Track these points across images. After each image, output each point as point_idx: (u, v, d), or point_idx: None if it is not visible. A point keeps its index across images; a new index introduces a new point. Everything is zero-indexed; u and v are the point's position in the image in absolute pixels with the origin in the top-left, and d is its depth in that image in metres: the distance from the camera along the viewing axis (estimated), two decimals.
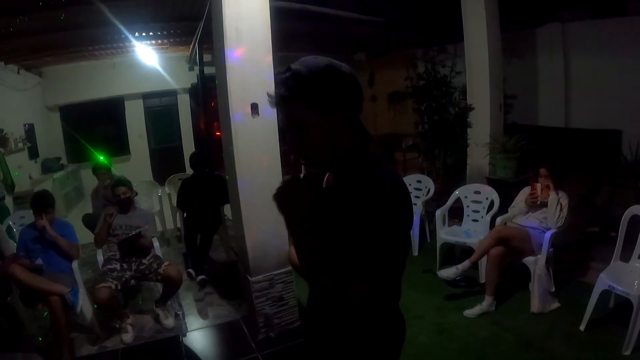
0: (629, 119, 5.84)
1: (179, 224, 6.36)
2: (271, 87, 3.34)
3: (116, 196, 4.28)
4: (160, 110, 10.66)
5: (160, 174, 8.41)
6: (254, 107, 3.34)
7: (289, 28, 5.09)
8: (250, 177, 3.46)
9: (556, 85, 6.89)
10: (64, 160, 9.41)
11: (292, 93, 1.18)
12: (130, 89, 9.88)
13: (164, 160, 10.41)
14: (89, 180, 7.49)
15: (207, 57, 7.31)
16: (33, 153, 8.35)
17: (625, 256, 3.66)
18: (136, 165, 9.86)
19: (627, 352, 3.14)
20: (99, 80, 9.41)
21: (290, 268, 3.74)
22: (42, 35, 5.92)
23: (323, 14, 5.52)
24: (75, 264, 3.96)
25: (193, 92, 9.83)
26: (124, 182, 4.36)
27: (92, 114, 9.87)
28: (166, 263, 4.04)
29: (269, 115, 3.42)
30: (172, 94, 10.38)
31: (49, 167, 8.61)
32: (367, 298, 1.20)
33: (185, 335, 3.91)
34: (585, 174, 5.83)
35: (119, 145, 10.07)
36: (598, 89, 6.36)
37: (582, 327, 3.47)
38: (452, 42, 6.23)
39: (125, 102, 10.16)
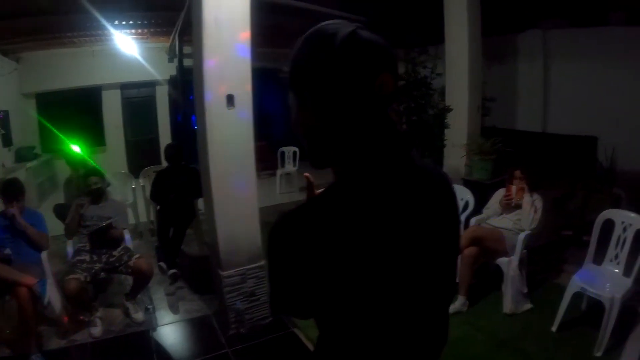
0: (605, 126, 5.96)
1: (152, 217, 6.24)
2: (249, 80, 3.34)
3: (88, 186, 4.18)
4: (137, 102, 10.46)
5: (136, 166, 8.26)
6: (230, 99, 3.29)
7: (270, 23, 5.04)
8: (223, 170, 3.42)
9: (535, 91, 7.00)
10: (38, 150, 9.20)
11: (292, 74, 0.99)
12: (108, 79, 9.69)
13: (140, 152, 10.24)
14: (63, 171, 7.33)
15: (187, 49, 7.22)
16: (7, 141, 8.12)
17: (598, 259, 3.71)
18: (112, 157, 9.66)
19: (599, 354, 3.18)
20: (77, 69, 9.21)
21: (262, 263, 3.72)
22: (22, 19, 5.78)
23: (304, 9, 5.48)
24: (44, 255, 3.87)
25: (172, 83, 9.70)
26: (96, 172, 4.29)
27: (69, 103, 9.61)
28: (137, 256, 3.99)
29: (245, 108, 3.38)
30: (151, 85, 10.21)
31: (22, 155, 8.40)
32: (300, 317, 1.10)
33: (155, 329, 3.85)
34: (561, 178, 5.90)
35: (94, 136, 9.81)
36: (576, 96, 6.48)
37: (554, 328, 3.51)
38: (433, 44, 6.24)
39: (103, 92, 9.95)
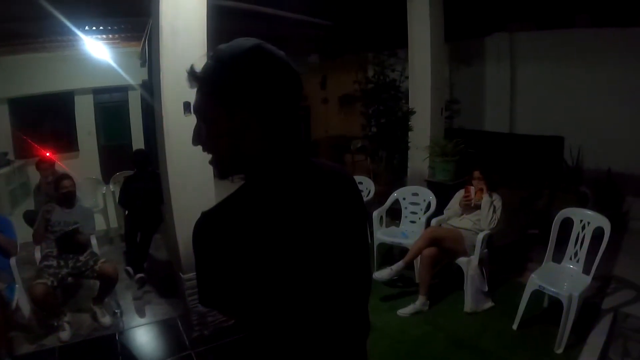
0: (571, 126, 6.11)
1: (122, 222, 6.24)
2: None
3: (58, 189, 4.21)
4: (110, 107, 10.43)
5: (109, 172, 8.14)
6: (187, 106, 3.31)
7: (232, 28, 5.09)
8: (181, 175, 3.46)
9: (502, 93, 7.12)
10: (11, 155, 9.08)
11: (202, 75, 1.00)
12: (81, 84, 9.63)
13: (113, 157, 10.07)
14: (36, 177, 7.26)
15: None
16: None
17: (558, 258, 3.81)
18: (84, 162, 9.59)
19: (559, 351, 3.25)
20: (49, 74, 9.14)
21: None
22: None
23: (265, 14, 5.52)
24: (13, 260, 3.87)
25: (144, 88, 9.67)
26: (66, 176, 4.32)
27: (41, 108, 9.55)
28: (102, 260, 4.02)
29: None
30: (123, 90, 10.18)
31: None
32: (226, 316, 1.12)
33: (122, 333, 3.88)
34: (528, 178, 6.02)
35: (67, 141, 9.80)
36: (542, 97, 6.65)
37: (514, 326, 3.58)
38: (403, 47, 6.33)
39: (75, 97, 9.90)
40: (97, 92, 10.07)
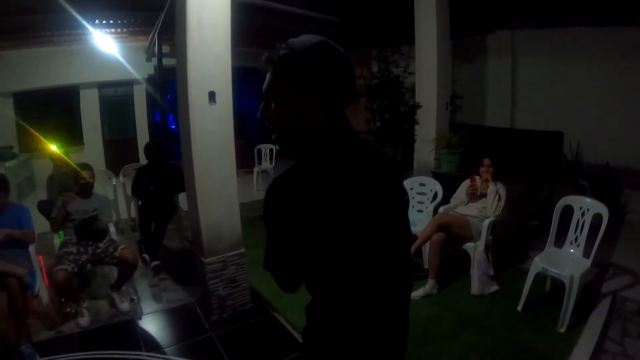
0: (571, 122, 6.29)
1: (133, 214, 6.39)
2: (229, 77, 3.50)
3: (78, 180, 4.27)
4: (115, 101, 10.46)
5: (114, 166, 8.23)
6: (212, 95, 3.47)
7: (248, 23, 5.22)
8: (206, 161, 3.58)
9: (503, 89, 7.28)
10: (16, 149, 9.13)
11: (278, 59, 1.19)
12: (86, 78, 9.68)
13: (118, 151, 10.22)
14: (41, 171, 7.34)
15: (165, 49, 7.32)
16: None
17: (559, 243, 4.01)
18: (90, 156, 9.47)
19: (562, 330, 3.44)
20: (54, 68, 9.18)
21: (242, 250, 3.90)
22: (1, 18, 5.81)
23: (281, 11, 5.65)
24: (31, 247, 3.94)
25: (150, 82, 9.73)
26: (87, 167, 4.36)
27: (47, 102, 9.59)
28: (122, 247, 4.09)
29: (225, 104, 3.57)
30: (129, 84, 10.23)
31: (0, 155, 8.37)
32: (287, 285, 1.26)
33: (140, 318, 3.95)
34: (528, 172, 6.18)
35: (72, 135, 9.80)
36: (542, 93, 6.81)
37: (519, 308, 3.77)
38: (406, 44, 6.46)
39: (81, 91, 9.95)
40: (102, 86, 10.11)
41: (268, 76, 1.23)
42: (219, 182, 3.66)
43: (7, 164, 8.15)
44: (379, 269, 1.24)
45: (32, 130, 8.88)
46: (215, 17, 3.36)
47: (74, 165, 4.44)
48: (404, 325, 1.37)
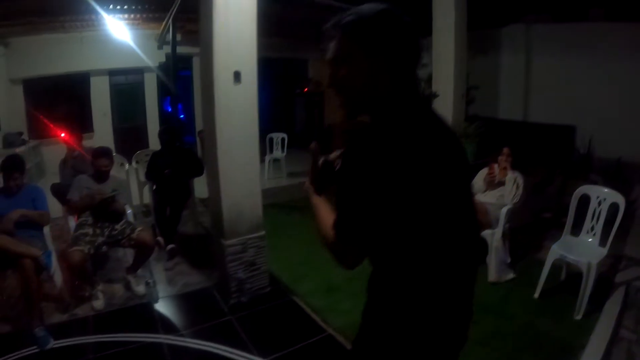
0: (583, 116, 6.32)
1: (145, 200, 6.40)
2: (254, 58, 3.51)
3: (96, 165, 4.19)
4: (125, 88, 10.40)
5: (124, 153, 8.20)
6: (237, 75, 3.48)
7: (265, 12, 5.24)
8: (229, 142, 3.59)
9: (517, 82, 7.29)
10: (25, 136, 9.11)
11: (346, 25, 1.19)
12: (97, 65, 9.60)
13: (128, 139, 10.12)
14: (50, 157, 7.32)
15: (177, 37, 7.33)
16: None
17: (576, 232, 4.03)
18: (99, 143, 9.21)
19: (578, 317, 3.47)
20: (65, 54, 9.09)
21: (263, 232, 3.90)
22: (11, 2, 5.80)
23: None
24: (46, 229, 3.92)
25: (162, 70, 9.71)
26: (107, 153, 4.30)
27: (56, 89, 9.52)
28: (139, 228, 4.07)
29: (250, 84, 3.57)
30: (139, 72, 10.18)
31: (10, 141, 8.33)
32: (350, 260, 1.22)
33: (157, 301, 3.94)
34: (540, 165, 6.20)
35: (82, 122, 9.67)
36: (556, 87, 6.83)
37: (536, 295, 3.80)
38: (422, 36, 6.47)
39: (91, 78, 9.87)
40: (113, 73, 10.05)
41: (334, 44, 1.23)
42: (242, 163, 3.67)
43: (17, 150, 8.15)
44: (450, 240, 1.22)
45: (41, 117, 8.88)
46: (241, 1, 3.39)
47: (103, 147, 4.41)
48: (470, 304, 1.32)
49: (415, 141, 1.14)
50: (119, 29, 8.34)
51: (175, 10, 6.18)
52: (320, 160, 1.44)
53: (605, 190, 3.93)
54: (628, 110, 5.91)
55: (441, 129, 1.24)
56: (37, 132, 9.36)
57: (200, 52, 3.69)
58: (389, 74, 1.19)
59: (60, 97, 9.64)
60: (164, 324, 3.58)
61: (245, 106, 3.59)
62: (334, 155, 1.47)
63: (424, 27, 5.84)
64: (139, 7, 7.06)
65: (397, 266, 1.21)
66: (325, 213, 1.31)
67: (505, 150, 4.36)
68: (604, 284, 3.87)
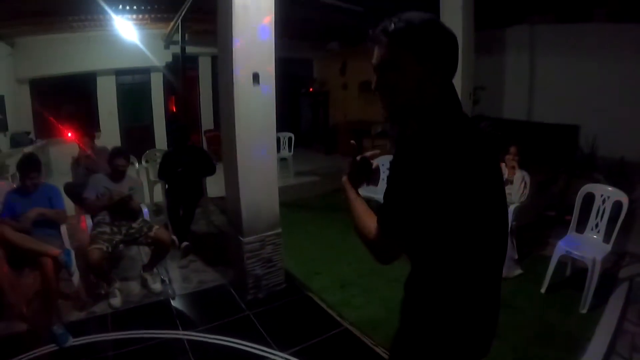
0: (587, 116, 6.41)
1: (155, 199, 6.47)
2: (272, 61, 3.61)
3: (113, 165, 4.26)
4: (132, 88, 10.47)
5: (131, 153, 8.27)
6: (256, 77, 3.59)
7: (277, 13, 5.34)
8: (248, 141, 3.69)
9: (521, 82, 7.39)
10: (32, 136, 9.14)
11: (397, 31, 1.22)
12: (103, 65, 9.66)
13: (135, 138, 10.20)
14: (58, 157, 7.35)
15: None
16: (2, 126, 8.18)
17: (580, 229, 4.17)
18: (106, 143, 9.30)
19: (584, 310, 3.61)
20: (72, 54, 9.14)
21: (279, 230, 4.01)
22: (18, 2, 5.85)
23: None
24: (63, 228, 3.98)
25: (170, 70, 9.76)
26: (124, 153, 4.39)
27: (63, 89, 9.59)
28: (157, 227, 4.15)
29: (268, 85, 3.68)
30: (146, 71, 10.24)
31: (18, 141, 8.39)
32: (389, 255, 1.27)
33: (174, 298, 4.01)
34: (544, 164, 6.29)
35: (89, 122, 9.70)
36: (560, 87, 6.93)
37: (542, 290, 3.94)
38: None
39: (98, 78, 9.94)
40: (119, 73, 10.11)
41: (382, 50, 1.26)
42: (260, 163, 3.77)
43: (25, 149, 8.19)
44: (485, 249, 1.29)
45: (48, 117, 8.92)
46: (260, 4, 3.49)
47: (119, 147, 4.49)
48: (498, 305, 1.40)
49: (461, 150, 1.19)
50: (126, 29, 8.36)
51: (185, 11, 6.25)
52: (358, 157, 1.51)
53: (609, 188, 4.06)
54: (631, 110, 5.99)
55: (480, 137, 1.28)
56: (44, 131, 9.40)
57: (219, 54, 3.78)
58: (436, 81, 1.24)
59: (67, 97, 9.72)
60: (182, 321, 3.64)
61: (263, 108, 3.70)
62: (371, 153, 1.56)
63: None
64: (149, 7, 7.09)
65: (437, 265, 1.27)
66: (364, 208, 1.38)
67: (513, 149, 4.47)
68: (609, 280, 4.01)
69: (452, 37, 1.25)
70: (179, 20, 6.81)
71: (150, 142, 9.89)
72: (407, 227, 1.21)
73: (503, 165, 4.47)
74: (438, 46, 1.23)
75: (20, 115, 9.17)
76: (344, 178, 1.52)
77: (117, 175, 4.29)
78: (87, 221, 4.37)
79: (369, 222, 1.30)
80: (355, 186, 1.51)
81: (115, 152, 4.35)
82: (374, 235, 1.26)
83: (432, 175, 1.14)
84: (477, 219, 1.23)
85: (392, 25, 1.24)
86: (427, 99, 1.25)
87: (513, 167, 4.42)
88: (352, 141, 1.55)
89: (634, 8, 5.91)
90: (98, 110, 10.12)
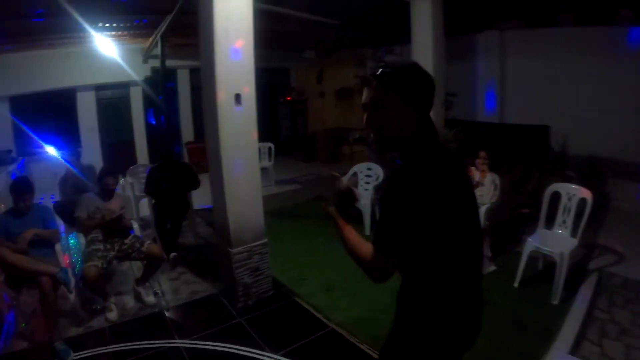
0: (557, 116, 6.71)
1: (141, 214, 6.52)
2: (252, 81, 3.80)
3: (102, 183, 4.36)
4: (112, 103, 10.44)
5: (114, 168, 8.28)
6: (237, 97, 3.79)
7: (257, 27, 5.51)
8: (232, 157, 3.88)
9: (493, 86, 7.68)
10: (14, 153, 9.05)
11: (384, 76, 1.43)
12: (83, 80, 9.64)
13: (116, 153, 10.21)
14: (39, 174, 7.33)
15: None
16: None
17: (549, 226, 4.47)
18: (88, 159, 9.33)
19: (556, 302, 3.90)
20: (51, 71, 9.12)
21: (265, 240, 4.20)
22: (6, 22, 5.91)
23: (287, 15, 5.92)
24: (57, 247, 4.08)
25: (150, 84, 9.76)
26: (113, 172, 4.51)
27: (44, 105, 9.52)
28: (148, 242, 4.29)
29: (249, 105, 3.89)
30: (125, 86, 10.24)
31: (0, 159, 8.41)
32: (384, 273, 1.43)
33: (168, 309, 4.15)
34: (518, 163, 6.54)
35: (70, 138, 9.64)
36: (530, 90, 7.23)
37: (515, 285, 4.22)
38: (399, 44, 6.74)
39: (77, 94, 9.88)
40: (99, 88, 10.08)
41: (371, 91, 1.47)
42: (245, 178, 3.98)
43: (8, 168, 8.15)
44: (466, 254, 1.50)
45: (29, 133, 8.87)
46: (240, 26, 3.70)
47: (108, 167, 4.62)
48: (481, 303, 1.62)
49: (437, 174, 1.41)
50: (105, 45, 8.36)
51: (165, 27, 6.37)
52: (343, 188, 1.70)
53: (574, 187, 4.37)
54: (599, 109, 6.28)
55: (452, 159, 1.51)
56: (25, 148, 9.30)
57: (202, 75, 3.96)
58: (417, 117, 1.46)
59: (47, 113, 9.60)
60: (178, 330, 3.79)
61: (245, 126, 3.92)
62: (349, 182, 1.78)
63: (400, 35, 6.09)
64: (128, 24, 7.16)
65: (426, 274, 1.48)
66: (355, 235, 1.57)
67: (483, 153, 4.72)
68: (579, 272, 4.30)
69: (430, 79, 1.47)
70: (159, 35, 6.90)
71: (132, 157, 9.93)
72: (401, 243, 1.40)
73: (474, 169, 4.71)
74: (419, 88, 1.45)
75: (1, 133, 9.07)
76: (332, 209, 1.71)
77: (107, 193, 4.38)
78: (80, 239, 4.48)
79: (364, 247, 1.49)
80: (343, 215, 1.68)
81: (105, 172, 4.44)
82: (371, 256, 1.44)
83: (417, 199, 1.35)
84: (456, 226, 1.45)
85: (380, 70, 1.45)
86: (409, 131, 1.46)
87: (484, 171, 4.66)
88: (334, 173, 1.77)
89: (598, 12, 6.18)
90: (79, 126, 10.06)
